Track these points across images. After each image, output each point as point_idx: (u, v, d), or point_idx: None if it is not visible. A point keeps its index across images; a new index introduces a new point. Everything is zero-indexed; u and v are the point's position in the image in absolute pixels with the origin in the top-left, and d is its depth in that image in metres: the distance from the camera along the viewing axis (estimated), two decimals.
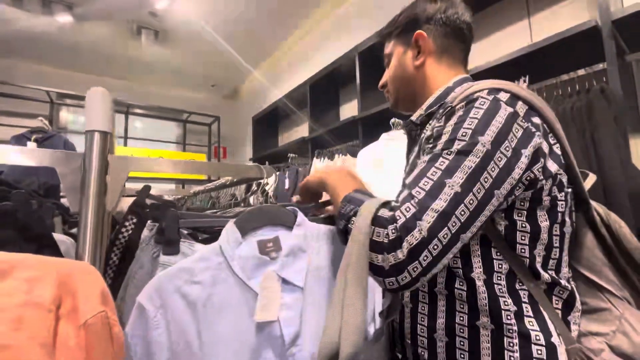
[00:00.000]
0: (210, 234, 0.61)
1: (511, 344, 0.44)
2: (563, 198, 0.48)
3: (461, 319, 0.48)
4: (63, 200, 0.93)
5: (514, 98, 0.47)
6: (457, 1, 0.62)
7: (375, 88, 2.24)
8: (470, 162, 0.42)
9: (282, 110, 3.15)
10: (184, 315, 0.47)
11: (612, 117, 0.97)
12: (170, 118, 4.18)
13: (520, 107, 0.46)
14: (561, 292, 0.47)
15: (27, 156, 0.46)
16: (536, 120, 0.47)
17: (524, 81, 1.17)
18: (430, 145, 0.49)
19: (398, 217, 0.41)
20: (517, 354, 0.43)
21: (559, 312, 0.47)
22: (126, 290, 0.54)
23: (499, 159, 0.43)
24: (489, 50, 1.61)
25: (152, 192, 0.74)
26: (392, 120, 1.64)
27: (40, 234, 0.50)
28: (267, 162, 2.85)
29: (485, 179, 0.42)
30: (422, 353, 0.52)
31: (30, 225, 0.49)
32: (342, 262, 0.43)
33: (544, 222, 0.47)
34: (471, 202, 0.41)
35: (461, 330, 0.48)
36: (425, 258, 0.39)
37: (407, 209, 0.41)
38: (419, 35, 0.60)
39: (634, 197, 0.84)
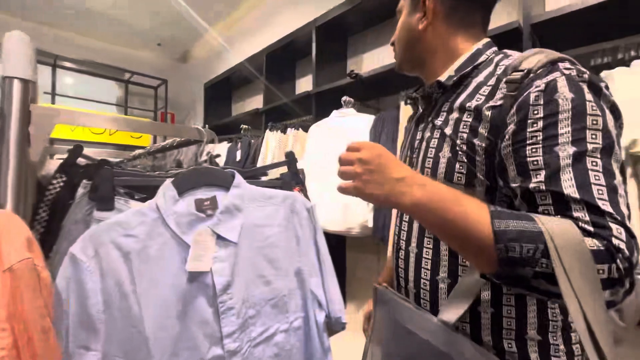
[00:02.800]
0: (146, 194, 0.62)
1: None
2: None
3: (463, 260, 0.49)
4: None
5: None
6: None
7: (331, 64, 2.25)
8: (614, 157, 0.39)
9: (236, 79, 3.02)
10: (118, 265, 0.50)
11: None
12: (109, 77, 3.76)
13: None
14: None
15: None
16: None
17: None
18: (529, 131, 0.41)
19: (618, 245, 0.35)
20: None
21: None
22: (60, 246, 0.54)
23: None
24: None
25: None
26: (344, 98, 1.70)
27: None
28: (209, 131, 2.77)
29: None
30: (424, 296, 0.53)
31: None
32: (573, 312, 0.34)
33: None
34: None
35: (464, 271, 0.49)
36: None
37: (618, 231, 0.35)
38: None
39: None
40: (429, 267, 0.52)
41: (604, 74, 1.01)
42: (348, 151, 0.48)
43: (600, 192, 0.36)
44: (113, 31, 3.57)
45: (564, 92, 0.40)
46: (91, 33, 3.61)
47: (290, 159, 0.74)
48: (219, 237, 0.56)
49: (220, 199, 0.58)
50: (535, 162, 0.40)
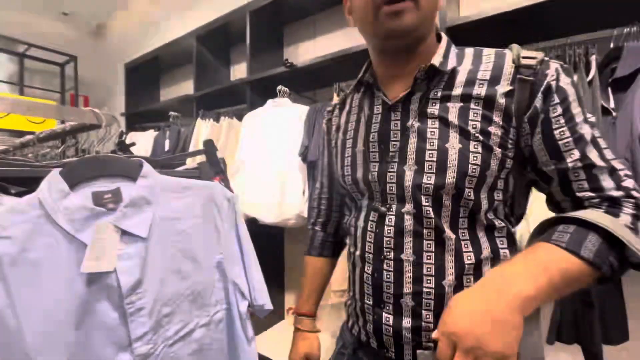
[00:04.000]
0: (29, 188, 0.53)
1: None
2: None
3: (468, 257, 0.47)
4: None
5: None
6: None
7: (266, 52, 2.19)
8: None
9: (164, 61, 2.75)
10: None
11: None
12: None
13: None
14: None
15: None
16: None
17: None
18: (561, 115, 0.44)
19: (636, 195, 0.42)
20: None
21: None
22: None
23: None
24: None
25: None
26: (279, 87, 1.67)
27: None
28: (109, 114, 2.51)
29: None
30: (428, 305, 0.48)
31: None
32: None
33: None
34: None
35: (468, 270, 0.47)
36: None
37: (635, 187, 0.42)
38: None
39: None
40: (432, 272, 0.48)
41: None
42: (440, 341, 0.37)
43: (609, 154, 0.44)
44: None
45: (566, 79, 0.45)
46: None
47: (209, 147, 0.70)
48: (125, 233, 0.51)
49: (125, 191, 0.52)
50: (566, 144, 0.44)
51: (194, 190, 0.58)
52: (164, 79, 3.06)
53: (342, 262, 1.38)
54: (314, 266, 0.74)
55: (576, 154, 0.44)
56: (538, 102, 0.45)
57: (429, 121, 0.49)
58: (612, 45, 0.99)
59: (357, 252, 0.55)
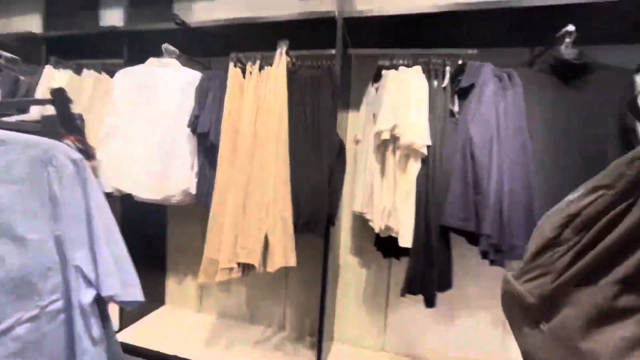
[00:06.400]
0: None
1: None
2: None
3: None
4: None
5: None
6: None
7: (151, 1, 1.85)
8: None
9: None
10: None
11: (331, 90, 1.33)
12: None
13: None
14: None
15: None
16: None
17: (285, 44, 1.36)
18: None
19: None
20: None
21: None
22: None
23: None
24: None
25: None
26: (165, 45, 1.45)
27: None
28: None
29: None
30: None
31: None
32: None
33: None
34: None
35: None
36: None
37: None
38: None
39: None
40: None
41: (383, 72, 1.32)
42: None
43: None
44: None
45: None
46: None
47: (59, 96, 0.54)
48: None
49: None
50: None
51: (16, 147, 0.44)
52: None
53: (227, 232, 1.32)
54: None
55: None
56: None
57: None
58: (459, 62, 1.24)
59: None
